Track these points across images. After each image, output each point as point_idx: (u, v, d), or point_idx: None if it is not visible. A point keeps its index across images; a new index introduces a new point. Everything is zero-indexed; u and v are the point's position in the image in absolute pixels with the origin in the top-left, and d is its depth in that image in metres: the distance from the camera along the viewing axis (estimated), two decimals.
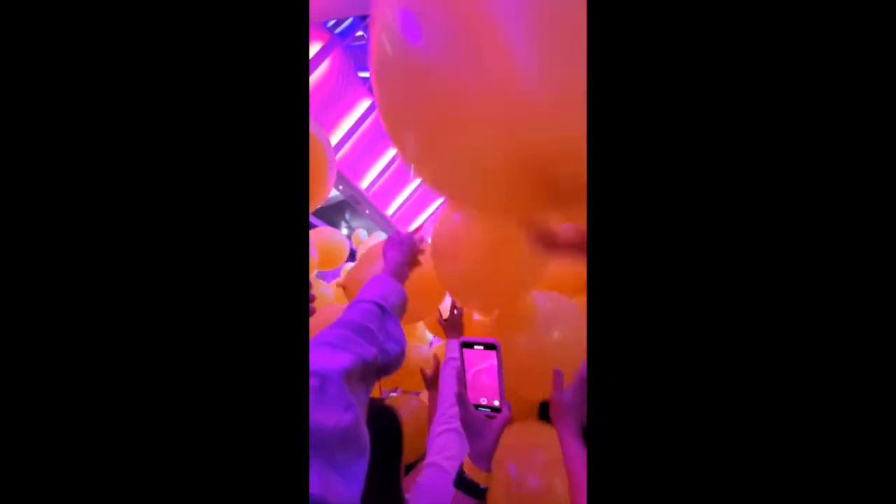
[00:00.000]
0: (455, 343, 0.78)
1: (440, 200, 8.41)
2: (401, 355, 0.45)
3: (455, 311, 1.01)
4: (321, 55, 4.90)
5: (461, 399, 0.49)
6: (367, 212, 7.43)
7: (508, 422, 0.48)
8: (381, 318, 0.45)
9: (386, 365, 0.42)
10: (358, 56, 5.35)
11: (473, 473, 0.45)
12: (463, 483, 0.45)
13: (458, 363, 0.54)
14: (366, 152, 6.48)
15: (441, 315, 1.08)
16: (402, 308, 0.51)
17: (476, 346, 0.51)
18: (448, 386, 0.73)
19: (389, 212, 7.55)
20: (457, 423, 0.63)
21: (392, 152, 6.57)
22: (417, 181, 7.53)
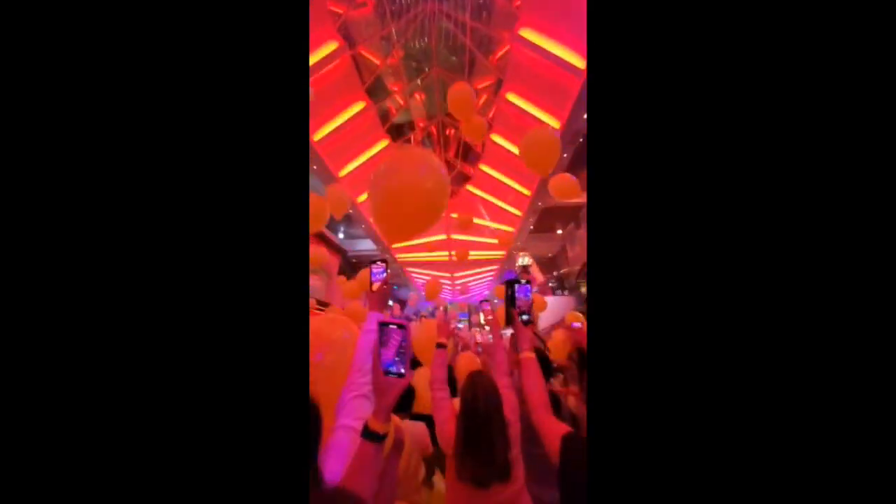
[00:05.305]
0: (374, 315, 0.93)
1: None
2: None
3: (384, 286, 1.08)
4: None
5: (374, 365, 0.65)
6: (363, 225, 7.84)
7: (407, 384, 0.65)
8: None
9: None
10: None
11: (376, 426, 0.61)
12: (368, 434, 0.61)
13: (373, 336, 0.72)
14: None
15: (371, 286, 1.12)
16: None
17: (391, 326, 0.68)
18: (362, 357, 0.85)
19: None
20: (366, 390, 0.78)
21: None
22: None
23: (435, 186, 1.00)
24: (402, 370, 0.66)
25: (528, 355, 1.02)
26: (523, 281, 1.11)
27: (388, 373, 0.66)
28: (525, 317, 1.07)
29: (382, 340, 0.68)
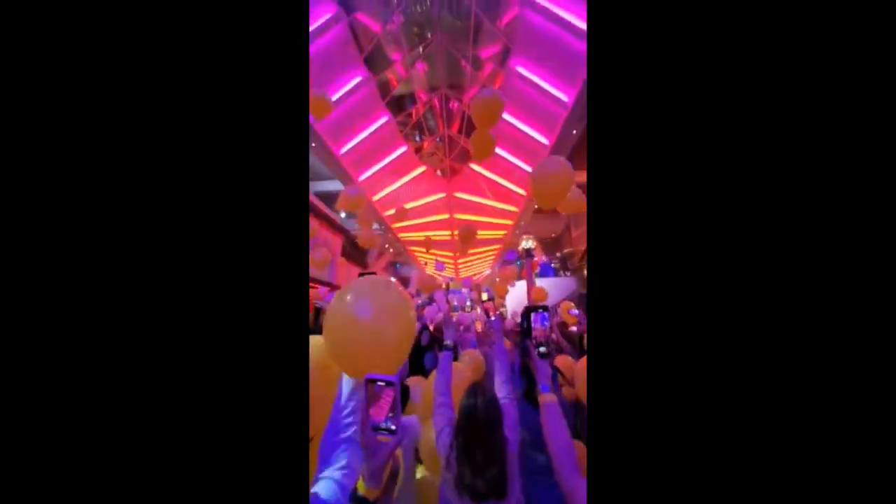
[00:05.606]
0: None
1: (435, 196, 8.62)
2: None
3: None
4: None
5: (363, 424, 0.59)
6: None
7: (399, 442, 0.60)
8: None
9: None
10: None
11: (366, 492, 0.56)
12: (357, 500, 0.57)
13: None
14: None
15: None
16: None
17: (379, 382, 0.62)
18: (346, 393, 0.80)
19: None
20: (352, 432, 0.73)
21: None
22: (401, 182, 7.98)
23: (398, 335, 0.85)
24: (394, 427, 0.59)
25: (550, 398, 0.91)
26: (540, 308, 0.99)
27: (377, 429, 0.58)
28: (542, 349, 0.96)
29: (372, 397, 0.59)
